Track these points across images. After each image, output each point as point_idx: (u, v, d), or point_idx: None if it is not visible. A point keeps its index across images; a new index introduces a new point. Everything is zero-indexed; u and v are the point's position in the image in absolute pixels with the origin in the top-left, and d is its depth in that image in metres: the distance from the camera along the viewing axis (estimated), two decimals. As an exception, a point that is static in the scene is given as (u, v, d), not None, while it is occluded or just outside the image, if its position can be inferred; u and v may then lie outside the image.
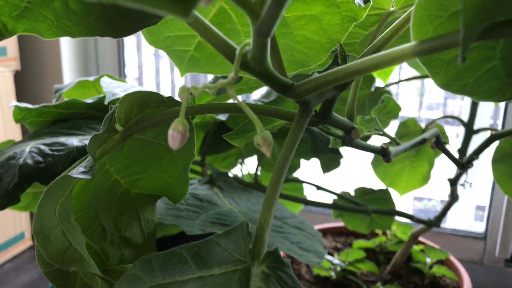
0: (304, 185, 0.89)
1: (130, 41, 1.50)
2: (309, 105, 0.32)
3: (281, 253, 0.84)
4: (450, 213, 1.23)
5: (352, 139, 0.41)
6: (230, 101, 0.63)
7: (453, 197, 0.72)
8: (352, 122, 0.41)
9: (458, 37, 0.22)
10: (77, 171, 0.32)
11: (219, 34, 0.28)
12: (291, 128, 0.32)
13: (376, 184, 0.85)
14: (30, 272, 1.15)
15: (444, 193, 1.54)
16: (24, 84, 1.31)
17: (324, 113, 0.37)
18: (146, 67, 1.57)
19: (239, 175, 0.83)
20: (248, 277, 0.27)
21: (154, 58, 1.59)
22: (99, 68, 1.38)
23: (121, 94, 0.43)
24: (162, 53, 1.59)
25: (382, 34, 0.35)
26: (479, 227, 1.17)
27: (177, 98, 0.39)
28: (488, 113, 1.18)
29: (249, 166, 0.84)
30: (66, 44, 1.29)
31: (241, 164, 0.84)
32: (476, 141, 0.66)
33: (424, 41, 0.24)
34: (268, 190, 0.30)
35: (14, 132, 1.19)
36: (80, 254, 0.32)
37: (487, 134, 0.64)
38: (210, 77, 1.17)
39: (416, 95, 1.59)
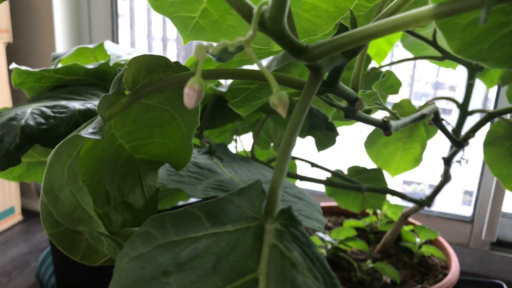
0: (298, 164, 0.90)
1: (123, 22, 1.48)
2: (320, 71, 0.33)
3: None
4: (438, 197, 1.25)
5: (356, 110, 0.42)
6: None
7: (446, 177, 0.73)
8: (357, 93, 0.41)
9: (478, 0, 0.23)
10: (87, 132, 0.32)
11: (236, -8, 0.28)
12: (302, 93, 0.32)
13: (369, 165, 0.86)
14: (20, 246, 1.14)
15: (433, 178, 1.56)
16: (16, 57, 1.29)
17: (331, 81, 0.37)
18: (139, 46, 1.56)
19: (234, 151, 0.83)
20: (262, 233, 0.27)
21: (147, 40, 1.58)
22: (93, 41, 1.36)
23: (125, 56, 0.42)
24: (155, 34, 1.58)
25: (394, 2, 0.35)
26: (467, 211, 1.19)
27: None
28: (480, 100, 1.20)
29: (243, 143, 0.84)
30: (60, 17, 1.27)
31: (235, 141, 0.84)
32: (468, 126, 0.67)
33: (443, 3, 0.24)
34: (281, 151, 0.30)
35: (5, 105, 1.18)
36: (88, 214, 0.32)
37: (480, 118, 0.65)
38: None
39: (406, 84, 1.60)
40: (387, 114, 0.52)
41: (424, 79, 1.69)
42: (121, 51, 0.44)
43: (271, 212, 0.28)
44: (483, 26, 0.25)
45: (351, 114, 0.43)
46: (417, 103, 1.64)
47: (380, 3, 0.44)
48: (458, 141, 0.59)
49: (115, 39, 1.36)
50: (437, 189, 0.75)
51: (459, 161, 0.64)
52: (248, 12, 0.28)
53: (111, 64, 0.41)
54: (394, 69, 1.55)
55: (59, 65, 0.62)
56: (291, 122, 0.30)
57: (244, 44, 0.24)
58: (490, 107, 1.10)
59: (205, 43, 0.26)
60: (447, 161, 0.68)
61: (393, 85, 0.51)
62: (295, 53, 0.29)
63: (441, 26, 0.26)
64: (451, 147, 0.72)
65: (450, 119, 1.42)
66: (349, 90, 0.39)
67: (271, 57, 0.60)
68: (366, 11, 0.48)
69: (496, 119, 0.67)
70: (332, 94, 0.41)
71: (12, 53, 1.28)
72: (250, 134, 0.82)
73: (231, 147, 0.84)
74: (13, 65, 0.49)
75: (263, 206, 0.29)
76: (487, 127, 0.68)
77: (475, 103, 1.17)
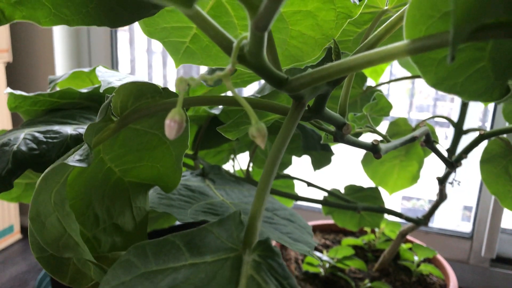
0: (295, 183, 0.90)
1: (123, 36, 1.50)
2: (302, 100, 0.33)
3: (273, 243, 0.84)
4: (437, 213, 1.24)
5: (344, 134, 0.42)
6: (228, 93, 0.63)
7: (441, 196, 0.73)
8: (344, 118, 0.41)
9: (449, 37, 0.23)
10: (73, 159, 0.32)
11: (217, 27, 0.29)
12: (284, 121, 0.32)
13: (366, 182, 0.86)
14: (19, 265, 1.14)
15: (433, 193, 1.56)
16: (15, 76, 1.30)
17: (317, 108, 0.37)
18: (139, 62, 1.57)
19: (231, 171, 0.83)
20: (239, 264, 0.27)
21: (147, 54, 1.59)
22: (92, 61, 1.38)
23: (116, 83, 0.43)
24: (154, 48, 1.60)
25: (376, 32, 0.35)
26: (466, 227, 1.19)
27: (172, 89, 0.40)
28: (477, 115, 1.20)
29: (240, 162, 0.84)
30: (59, 37, 1.28)
31: (233, 160, 0.84)
32: (465, 142, 0.67)
33: (416, 39, 0.24)
34: (261, 181, 0.30)
35: (4, 124, 1.19)
36: (74, 241, 0.33)
37: (476, 135, 0.65)
38: (203, 71, 1.17)
39: (407, 97, 1.60)
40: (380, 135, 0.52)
41: (425, 92, 1.70)
42: (113, 77, 0.45)
43: (249, 243, 0.28)
44: (456, 61, 0.26)
45: (340, 138, 0.43)
46: (417, 115, 1.64)
47: (368, 28, 0.45)
48: (451, 162, 0.59)
49: (114, 55, 1.37)
50: (434, 208, 0.75)
51: (451, 183, 0.65)
52: (228, 46, 0.28)
53: (101, 90, 0.42)
54: (394, 83, 1.56)
55: (56, 88, 0.63)
56: (272, 151, 0.30)
57: (223, 78, 0.25)
58: (489, 121, 1.10)
59: (192, 68, 0.27)
60: (442, 181, 0.68)
61: (384, 107, 0.51)
62: (275, 85, 0.30)
63: (416, 61, 0.27)
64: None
65: (450, 132, 1.42)
66: (336, 116, 0.40)
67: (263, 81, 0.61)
68: (355, 35, 0.48)
69: (493, 137, 0.67)
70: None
71: (11, 73, 1.29)
72: (247, 153, 0.82)
73: (229, 166, 0.84)
74: (8, 90, 0.50)
75: (241, 237, 0.29)
76: (484, 144, 0.68)
77: (473, 117, 1.17)
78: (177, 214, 0.41)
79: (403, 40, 0.26)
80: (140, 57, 1.57)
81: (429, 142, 0.53)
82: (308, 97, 0.33)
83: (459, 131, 0.70)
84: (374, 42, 0.34)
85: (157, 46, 1.59)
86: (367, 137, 1.12)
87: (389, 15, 0.45)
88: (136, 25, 1.57)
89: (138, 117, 0.37)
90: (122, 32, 1.50)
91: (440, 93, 1.62)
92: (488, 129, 1.09)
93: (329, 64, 0.27)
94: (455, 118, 0.70)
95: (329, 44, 0.42)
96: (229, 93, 0.70)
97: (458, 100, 1.23)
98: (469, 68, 0.26)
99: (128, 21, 0.36)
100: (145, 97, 0.38)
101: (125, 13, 0.35)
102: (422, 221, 0.75)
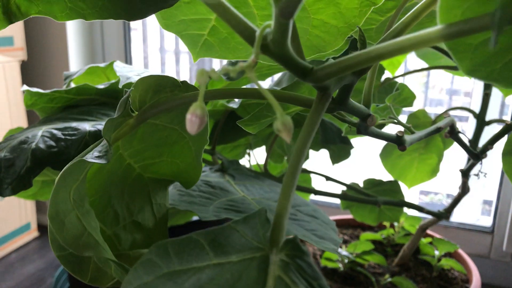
0: (312, 177, 0.89)
1: (136, 35, 1.49)
2: (328, 91, 0.32)
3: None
4: (456, 207, 1.22)
5: (368, 126, 0.41)
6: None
7: (464, 189, 0.71)
8: (369, 109, 0.40)
9: (489, 20, 0.22)
10: (92, 156, 0.32)
11: (239, 16, 0.28)
12: (309, 113, 0.31)
13: (385, 176, 0.85)
14: (36, 263, 1.15)
15: (451, 187, 1.53)
16: (30, 75, 1.30)
17: (341, 99, 0.36)
18: (152, 60, 1.57)
19: (247, 165, 0.82)
20: (266, 264, 0.26)
21: (160, 52, 1.59)
22: (106, 60, 1.37)
23: (135, 78, 0.42)
24: (167, 47, 1.59)
25: (402, 19, 0.34)
26: (486, 222, 1.17)
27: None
28: (497, 108, 1.17)
29: (257, 157, 0.83)
30: (73, 35, 1.28)
31: (249, 154, 0.83)
32: (485, 136, 0.65)
33: (452, 24, 0.23)
34: (287, 176, 0.29)
35: (20, 122, 1.19)
36: (94, 239, 0.32)
37: (496, 127, 0.64)
38: (216, 68, 1.16)
39: (421, 91, 1.58)
40: (401, 127, 0.51)
41: (439, 86, 1.67)
42: (131, 72, 0.44)
43: (276, 242, 0.27)
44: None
45: (364, 130, 0.42)
46: (432, 110, 1.61)
47: (391, 16, 0.43)
48: (476, 154, 0.57)
49: (128, 53, 1.37)
50: (455, 202, 0.73)
51: (477, 174, 0.63)
52: (250, 35, 0.27)
53: (120, 86, 0.41)
54: (408, 76, 1.53)
55: (72, 84, 0.62)
56: (297, 145, 0.29)
57: (246, 69, 0.24)
58: (508, 113, 1.08)
59: (212, 60, 0.26)
60: (465, 173, 0.67)
61: (407, 98, 0.50)
62: (300, 75, 0.28)
63: (450, 47, 0.25)
64: (469, 158, 0.70)
65: (467, 127, 1.39)
66: (361, 107, 0.38)
67: (281, 73, 0.60)
68: (378, 24, 0.47)
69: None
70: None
71: (26, 71, 1.29)
72: (264, 147, 0.81)
73: (245, 161, 0.83)
74: (25, 87, 0.50)
75: (267, 236, 0.28)
76: (504, 138, 0.67)
77: (492, 111, 1.15)
78: (199, 212, 0.40)
79: (431, 27, 0.24)
80: (153, 55, 1.57)
81: (454, 133, 0.52)
82: (333, 88, 0.31)
83: (482, 123, 0.68)
84: (401, 30, 0.33)
85: (170, 44, 1.58)
86: (389, 129, 1.10)
87: (414, 2, 0.43)
88: (149, 23, 1.57)
89: (157, 111, 0.37)
90: (135, 31, 1.49)
91: (454, 87, 1.60)
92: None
93: (358, 52, 0.26)
94: (471, 115, 0.68)
95: (351, 34, 0.41)
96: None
97: (474, 95, 1.20)
98: (507, 54, 0.25)
99: (146, 13, 0.35)
100: (164, 91, 0.37)
101: (142, 5, 0.34)
102: (443, 215, 0.74)
